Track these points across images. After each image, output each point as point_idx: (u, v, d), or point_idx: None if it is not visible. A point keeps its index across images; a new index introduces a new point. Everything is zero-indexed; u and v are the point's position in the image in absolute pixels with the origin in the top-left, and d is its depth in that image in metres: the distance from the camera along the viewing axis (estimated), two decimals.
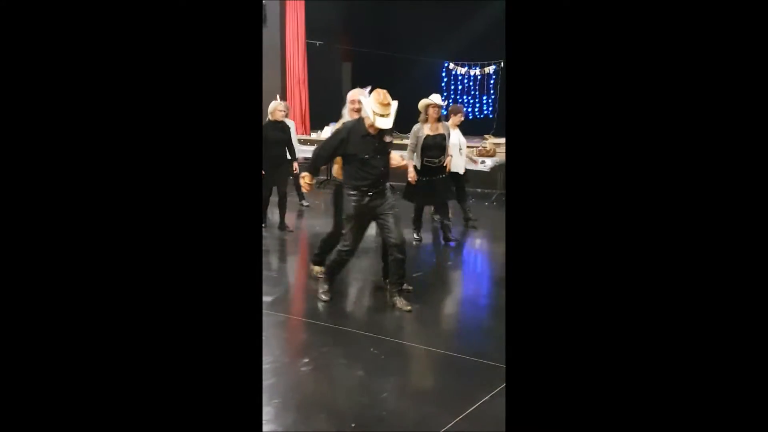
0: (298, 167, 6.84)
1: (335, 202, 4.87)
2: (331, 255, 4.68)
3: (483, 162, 8.70)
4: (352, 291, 5.09)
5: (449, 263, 6.14)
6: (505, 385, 2.11)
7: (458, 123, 6.66)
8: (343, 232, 4.52)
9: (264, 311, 4.14)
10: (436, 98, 6.10)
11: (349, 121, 4.56)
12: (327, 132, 9.87)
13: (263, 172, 5.99)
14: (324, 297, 4.62)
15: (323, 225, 5.94)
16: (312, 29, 11.78)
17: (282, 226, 6.88)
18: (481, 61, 11.55)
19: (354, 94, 4.78)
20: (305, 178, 4.42)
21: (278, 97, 7.87)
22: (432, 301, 4.79)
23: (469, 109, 11.60)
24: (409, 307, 4.42)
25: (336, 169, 4.87)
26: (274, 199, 6.85)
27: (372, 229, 4.84)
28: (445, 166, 6.17)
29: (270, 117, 6.54)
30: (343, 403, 3.19)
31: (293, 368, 3.53)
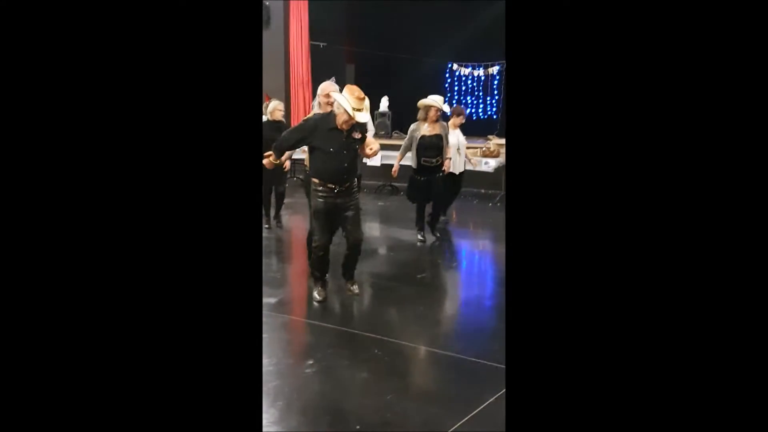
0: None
1: (307, 193, 4.89)
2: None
3: (486, 163, 8.67)
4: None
5: (453, 265, 6.13)
6: (505, 387, 2.10)
7: (459, 125, 6.66)
8: (311, 228, 4.55)
9: (266, 312, 4.14)
10: (438, 100, 6.10)
11: (318, 113, 4.59)
12: None
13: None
14: (318, 297, 4.61)
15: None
16: (315, 31, 11.81)
17: (277, 217, 7.04)
18: (485, 62, 11.55)
19: (325, 87, 4.78)
20: (269, 157, 4.47)
21: (266, 96, 7.88)
22: (436, 302, 4.78)
23: (473, 110, 11.61)
24: (357, 291, 4.71)
25: (307, 159, 4.87)
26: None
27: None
28: (442, 166, 6.18)
29: (269, 117, 6.55)
30: (347, 405, 3.17)
31: (297, 370, 3.52)
